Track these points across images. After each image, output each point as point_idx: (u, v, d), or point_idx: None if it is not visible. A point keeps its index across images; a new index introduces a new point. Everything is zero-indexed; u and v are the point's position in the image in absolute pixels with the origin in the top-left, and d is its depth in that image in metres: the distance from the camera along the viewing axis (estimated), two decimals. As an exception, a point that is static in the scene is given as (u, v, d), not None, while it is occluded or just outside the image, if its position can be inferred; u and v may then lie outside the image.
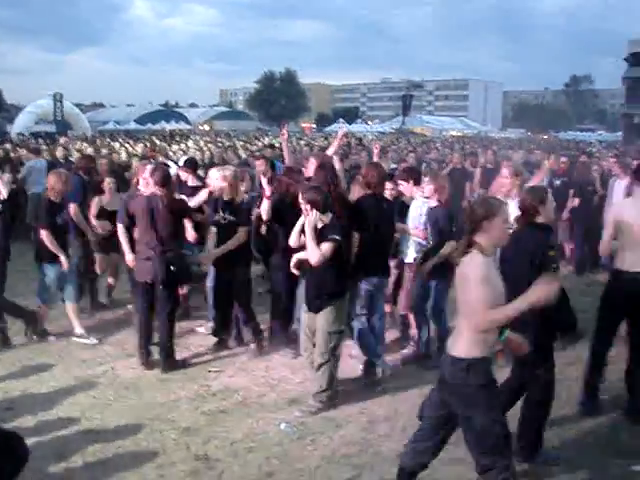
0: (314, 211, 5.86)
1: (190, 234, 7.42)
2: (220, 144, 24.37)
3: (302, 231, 6.06)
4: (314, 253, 5.83)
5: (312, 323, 6.18)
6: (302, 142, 28.82)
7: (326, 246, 5.85)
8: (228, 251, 7.28)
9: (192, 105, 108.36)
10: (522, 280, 4.14)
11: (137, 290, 7.54)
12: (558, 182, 12.02)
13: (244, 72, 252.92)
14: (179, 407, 6.22)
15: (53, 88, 45.90)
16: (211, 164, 13.92)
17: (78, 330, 8.02)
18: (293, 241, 6.26)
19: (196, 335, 8.12)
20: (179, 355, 7.36)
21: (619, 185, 10.49)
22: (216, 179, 7.33)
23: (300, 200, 6.02)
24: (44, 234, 7.62)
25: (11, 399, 6.34)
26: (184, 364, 7.26)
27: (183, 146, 22.02)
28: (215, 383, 6.80)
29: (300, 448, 5.45)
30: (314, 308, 6.11)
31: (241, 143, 26.66)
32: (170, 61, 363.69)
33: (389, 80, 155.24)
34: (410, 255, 7.49)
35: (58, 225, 7.79)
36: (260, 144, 25.26)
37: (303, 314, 6.37)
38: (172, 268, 6.98)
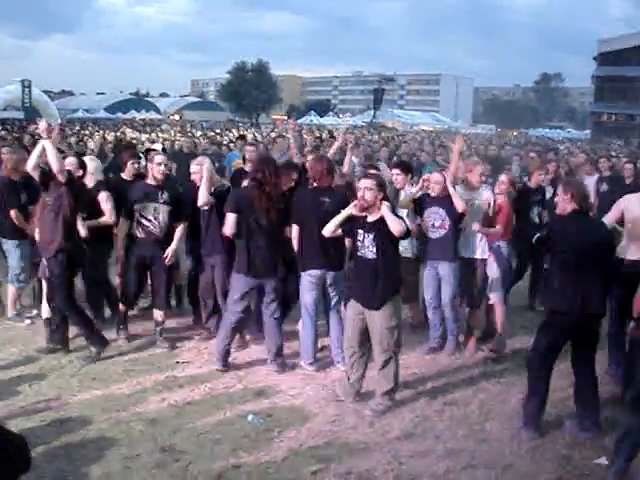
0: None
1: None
2: (190, 134, 24.19)
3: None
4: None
5: (361, 322, 6.03)
6: (273, 134, 28.74)
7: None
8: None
9: (163, 95, 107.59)
10: None
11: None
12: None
13: (216, 63, 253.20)
14: (146, 398, 6.17)
15: (22, 74, 45.18)
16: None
17: (10, 313, 8.11)
18: (329, 230, 6.16)
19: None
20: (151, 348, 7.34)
21: (588, 181, 10.62)
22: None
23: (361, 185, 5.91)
24: (13, 215, 7.72)
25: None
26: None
27: (154, 136, 21.83)
28: (182, 374, 6.76)
29: (267, 440, 5.43)
30: (376, 305, 5.89)
31: (211, 134, 26.52)
32: (141, 50, 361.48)
33: (361, 73, 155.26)
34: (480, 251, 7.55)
35: (23, 203, 7.87)
36: (231, 135, 25.14)
37: (349, 312, 6.18)
38: None
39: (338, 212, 6.16)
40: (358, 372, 6.17)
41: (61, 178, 6.59)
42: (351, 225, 6.00)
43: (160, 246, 7.31)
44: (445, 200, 7.19)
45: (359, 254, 5.97)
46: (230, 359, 7.00)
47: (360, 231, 5.92)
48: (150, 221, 7.25)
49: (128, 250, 7.43)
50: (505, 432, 5.66)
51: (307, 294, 6.88)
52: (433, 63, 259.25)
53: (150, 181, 7.37)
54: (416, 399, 6.31)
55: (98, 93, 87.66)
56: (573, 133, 73.11)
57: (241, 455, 5.17)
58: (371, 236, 5.85)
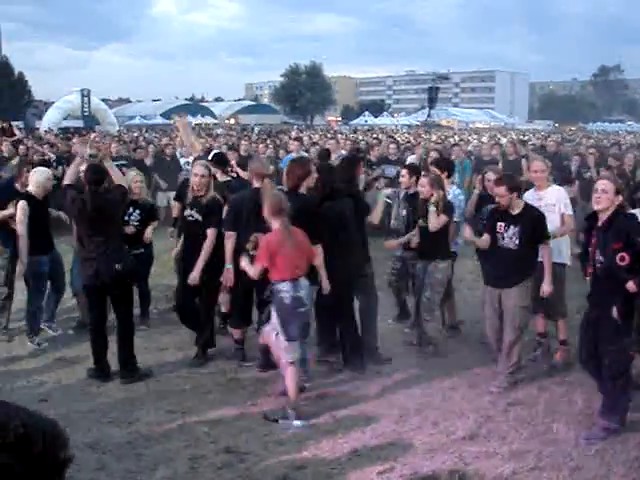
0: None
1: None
2: (247, 138, 24.36)
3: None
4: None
5: (496, 301, 6.51)
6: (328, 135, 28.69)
7: None
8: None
9: (218, 99, 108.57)
10: None
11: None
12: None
13: (269, 66, 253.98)
14: (208, 400, 6.25)
15: (80, 84, 46.25)
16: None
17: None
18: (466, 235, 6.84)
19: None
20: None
21: None
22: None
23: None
24: None
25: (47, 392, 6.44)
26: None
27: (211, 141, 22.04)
28: (246, 375, 6.83)
29: (332, 441, 5.44)
30: (507, 284, 6.40)
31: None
32: (195, 56, 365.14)
33: (414, 72, 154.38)
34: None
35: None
36: (286, 138, 25.24)
37: (487, 295, 6.65)
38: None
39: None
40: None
41: None
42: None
43: None
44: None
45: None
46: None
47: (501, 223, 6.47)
48: None
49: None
50: (572, 433, 5.56)
51: None
52: (487, 59, 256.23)
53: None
54: (480, 399, 6.25)
55: (154, 100, 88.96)
56: (634, 126, 71.31)
57: (305, 456, 5.20)
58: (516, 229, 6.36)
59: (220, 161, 8.58)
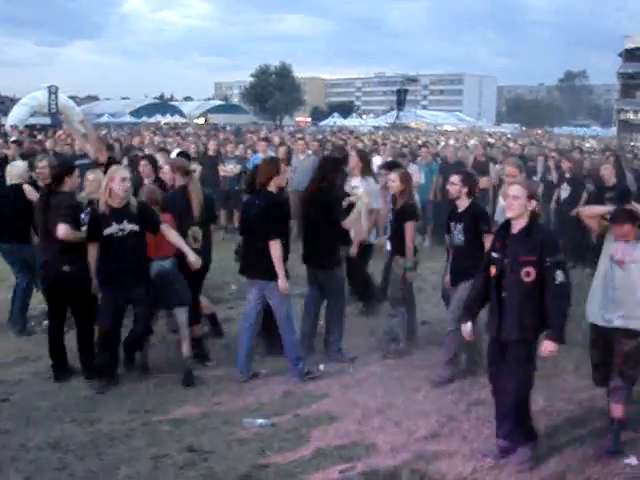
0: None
1: None
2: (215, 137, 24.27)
3: None
4: None
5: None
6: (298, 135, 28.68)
7: None
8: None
9: (187, 98, 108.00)
10: None
11: None
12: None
13: (239, 66, 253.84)
14: (172, 399, 6.24)
15: (48, 81, 45.51)
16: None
17: None
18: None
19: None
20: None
21: None
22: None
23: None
24: None
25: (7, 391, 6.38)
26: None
27: (179, 139, 21.95)
28: (209, 374, 6.83)
29: (295, 440, 5.47)
30: (457, 280, 6.71)
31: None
32: (165, 54, 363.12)
33: (384, 74, 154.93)
34: None
35: None
36: (255, 138, 25.19)
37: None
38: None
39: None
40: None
41: None
42: None
43: None
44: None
45: None
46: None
47: None
48: None
49: None
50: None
51: None
52: (456, 63, 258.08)
53: None
54: (442, 399, 6.32)
55: (123, 98, 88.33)
56: (599, 131, 72.38)
57: (268, 455, 5.22)
58: None
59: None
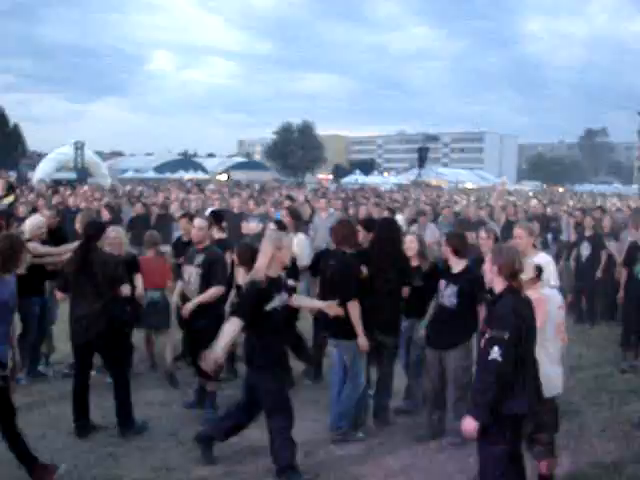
0: None
1: None
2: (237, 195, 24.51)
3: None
4: None
5: (436, 362, 6.57)
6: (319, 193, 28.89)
7: None
8: None
9: (210, 155, 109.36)
10: None
11: None
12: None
13: (262, 123, 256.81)
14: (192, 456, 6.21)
15: (75, 136, 46.42)
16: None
17: None
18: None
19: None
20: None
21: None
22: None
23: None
24: None
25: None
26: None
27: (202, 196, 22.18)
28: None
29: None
30: (447, 345, 6.46)
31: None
32: (189, 111, 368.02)
33: (404, 132, 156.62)
34: None
35: None
36: (277, 195, 25.43)
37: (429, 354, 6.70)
38: None
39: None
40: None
41: None
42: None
43: None
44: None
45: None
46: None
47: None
48: None
49: None
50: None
51: None
52: (476, 121, 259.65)
53: None
54: (465, 460, 6.21)
55: (147, 154, 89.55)
56: (620, 188, 72.22)
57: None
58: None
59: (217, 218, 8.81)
